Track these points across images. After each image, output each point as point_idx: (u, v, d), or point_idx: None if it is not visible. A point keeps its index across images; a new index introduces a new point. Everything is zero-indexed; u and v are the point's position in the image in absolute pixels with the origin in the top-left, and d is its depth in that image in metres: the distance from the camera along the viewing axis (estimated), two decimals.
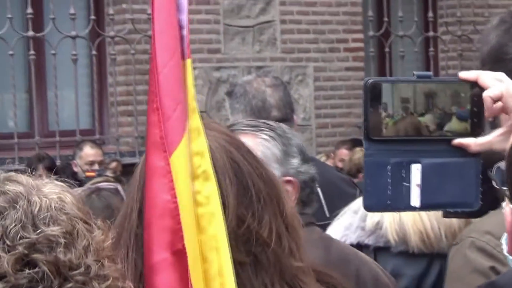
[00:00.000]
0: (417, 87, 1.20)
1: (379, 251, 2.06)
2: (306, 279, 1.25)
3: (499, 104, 1.16)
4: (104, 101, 9.02)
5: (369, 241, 2.05)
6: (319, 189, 2.14)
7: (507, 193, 1.00)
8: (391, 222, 2.04)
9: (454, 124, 1.19)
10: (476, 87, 1.18)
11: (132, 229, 1.21)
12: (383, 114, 1.17)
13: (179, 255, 1.03)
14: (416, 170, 1.18)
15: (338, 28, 9.80)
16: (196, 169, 1.06)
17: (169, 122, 1.03)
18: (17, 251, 0.83)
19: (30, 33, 7.95)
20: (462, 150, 1.18)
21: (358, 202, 2.13)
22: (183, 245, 1.03)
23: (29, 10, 7.88)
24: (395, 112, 1.18)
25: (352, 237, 2.06)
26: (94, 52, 8.34)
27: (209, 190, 1.06)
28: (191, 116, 1.05)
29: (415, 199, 1.19)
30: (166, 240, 1.04)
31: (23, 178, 0.97)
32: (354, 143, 7.53)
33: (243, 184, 1.24)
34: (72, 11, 7.98)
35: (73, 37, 8.09)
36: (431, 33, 10.24)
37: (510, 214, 0.99)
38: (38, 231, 0.86)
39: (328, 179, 2.89)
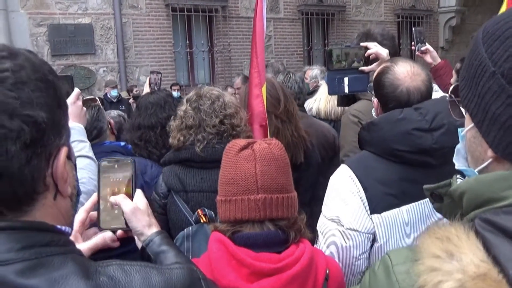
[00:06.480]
0: (343, 48, 2.51)
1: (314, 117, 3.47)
2: None
3: (375, 54, 2.38)
4: None
5: (309, 113, 3.49)
6: None
7: (374, 94, 1.79)
8: (316, 107, 3.60)
9: (355, 64, 2.43)
10: (366, 49, 2.41)
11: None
12: (334, 59, 2.45)
13: (264, 126, 2.27)
14: (346, 79, 2.42)
15: None
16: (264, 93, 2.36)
17: (260, 80, 2.34)
18: (217, 118, 1.94)
19: None
20: (361, 72, 2.41)
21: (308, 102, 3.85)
22: (266, 121, 2.27)
23: None
24: (336, 59, 2.45)
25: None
26: None
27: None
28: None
29: (346, 88, 2.43)
30: (259, 117, 2.26)
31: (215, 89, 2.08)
32: None
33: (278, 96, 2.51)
34: None
35: None
36: None
37: (375, 102, 1.79)
38: (225, 111, 1.96)
39: None
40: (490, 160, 0.73)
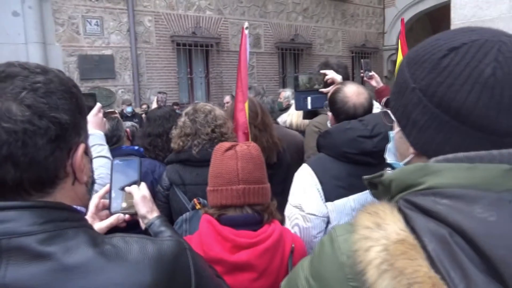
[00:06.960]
0: (307, 75, 2.42)
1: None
2: None
3: (331, 79, 2.30)
4: None
5: (281, 123, 3.34)
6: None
7: (329, 109, 1.79)
8: (289, 120, 3.36)
9: (316, 87, 2.36)
10: (325, 75, 2.33)
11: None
12: (300, 83, 2.37)
13: (246, 133, 2.19)
14: (309, 98, 2.37)
15: None
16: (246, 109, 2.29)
17: (243, 97, 2.29)
18: (210, 128, 1.93)
19: None
20: (320, 93, 2.34)
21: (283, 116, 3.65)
22: (247, 129, 2.21)
23: None
24: (301, 83, 2.38)
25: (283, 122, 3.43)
26: None
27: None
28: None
29: (309, 105, 2.37)
30: (243, 126, 2.21)
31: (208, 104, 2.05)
32: None
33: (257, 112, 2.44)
34: None
35: None
36: None
37: (330, 115, 1.79)
38: (216, 122, 1.96)
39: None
40: (411, 155, 0.74)
